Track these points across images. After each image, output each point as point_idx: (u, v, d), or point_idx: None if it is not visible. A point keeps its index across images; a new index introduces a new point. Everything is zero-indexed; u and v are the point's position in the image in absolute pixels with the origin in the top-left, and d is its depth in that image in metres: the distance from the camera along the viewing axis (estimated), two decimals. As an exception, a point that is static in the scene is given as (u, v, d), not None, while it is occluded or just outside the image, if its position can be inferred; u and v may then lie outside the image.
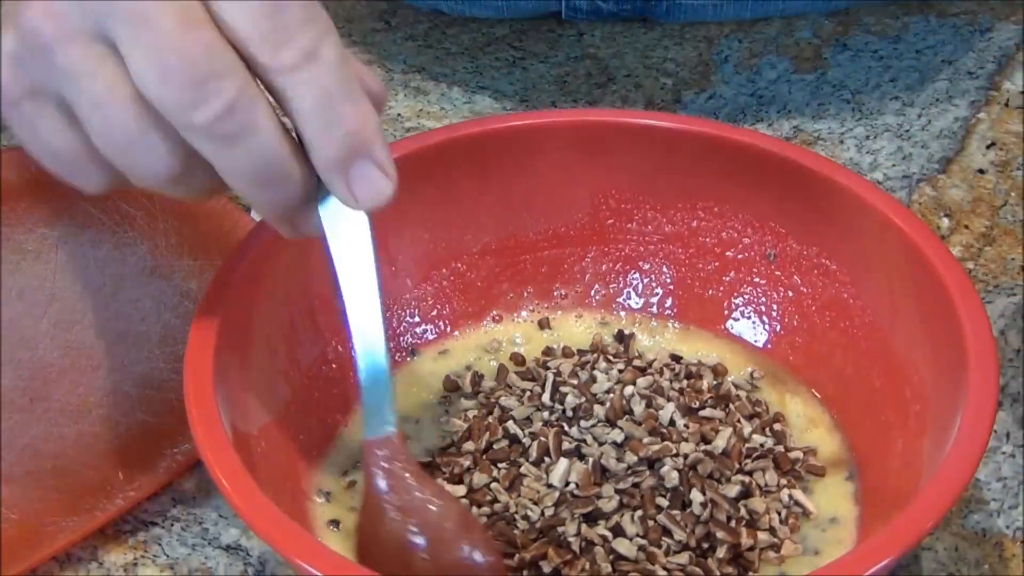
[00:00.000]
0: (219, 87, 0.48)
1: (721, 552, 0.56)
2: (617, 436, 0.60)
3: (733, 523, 0.57)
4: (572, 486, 0.58)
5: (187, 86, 0.47)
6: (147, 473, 0.63)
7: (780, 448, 0.61)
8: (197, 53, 0.48)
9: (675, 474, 0.58)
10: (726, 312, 0.68)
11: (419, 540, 0.54)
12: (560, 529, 0.56)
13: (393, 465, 0.55)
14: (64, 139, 0.52)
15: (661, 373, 0.64)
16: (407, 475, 0.55)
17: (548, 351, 0.67)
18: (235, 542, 0.62)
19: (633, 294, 0.69)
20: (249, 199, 0.53)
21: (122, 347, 0.65)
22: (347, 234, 0.54)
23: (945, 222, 0.76)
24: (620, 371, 0.64)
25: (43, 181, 0.64)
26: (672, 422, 0.61)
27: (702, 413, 0.62)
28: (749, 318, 0.67)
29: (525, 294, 0.69)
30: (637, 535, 0.56)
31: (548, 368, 0.64)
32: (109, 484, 0.63)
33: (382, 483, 0.55)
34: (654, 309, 0.69)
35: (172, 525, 0.63)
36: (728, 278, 0.68)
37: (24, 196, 0.65)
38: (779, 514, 0.58)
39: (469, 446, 0.61)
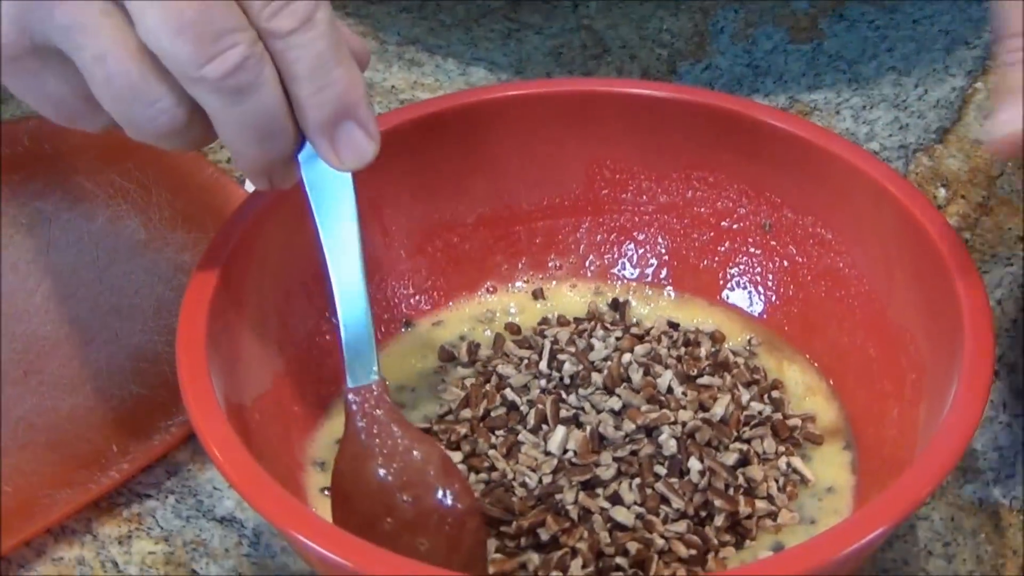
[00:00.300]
0: (234, 41, 0.49)
1: (719, 520, 0.56)
2: (615, 404, 0.60)
3: (731, 491, 0.57)
4: (570, 454, 0.58)
5: (202, 40, 0.48)
6: (141, 445, 0.63)
7: (778, 415, 0.61)
8: (213, 8, 0.48)
9: (673, 442, 0.58)
10: (721, 282, 0.67)
11: (400, 484, 0.55)
12: (558, 497, 0.56)
13: (375, 411, 0.55)
14: (64, 92, 0.52)
15: (659, 340, 0.64)
16: (389, 422, 0.55)
17: (544, 321, 0.67)
18: (230, 514, 0.62)
19: (628, 264, 0.69)
20: (237, 152, 0.54)
21: (116, 320, 0.65)
22: (330, 188, 0.55)
23: (942, 192, 0.76)
24: (618, 339, 0.63)
25: (37, 155, 0.64)
26: (670, 389, 0.60)
27: (700, 381, 0.62)
28: (745, 288, 0.67)
29: (519, 265, 0.69)
30: (635, 503, 0.56)
31: (545, 336, 0.64)
32: (103, 457, 0.63)
33: (364, 429, 0.55)
34: (649, 279, 0.68)
35: (166, 497, 0.62)
36: (723, 248, 0.67)
37: (18, 170, 0.65)
38: (777, 482, 0.58)
39: (466, 413, 0.61)
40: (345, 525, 0.53)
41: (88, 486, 0.62)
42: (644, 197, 0.68)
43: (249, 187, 0.64)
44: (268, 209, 0.59)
